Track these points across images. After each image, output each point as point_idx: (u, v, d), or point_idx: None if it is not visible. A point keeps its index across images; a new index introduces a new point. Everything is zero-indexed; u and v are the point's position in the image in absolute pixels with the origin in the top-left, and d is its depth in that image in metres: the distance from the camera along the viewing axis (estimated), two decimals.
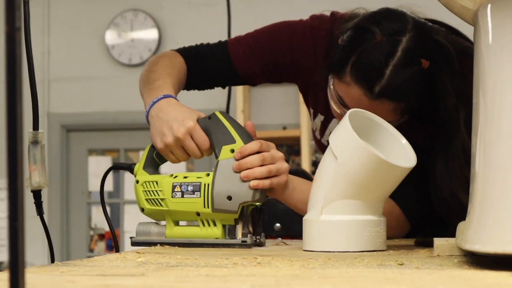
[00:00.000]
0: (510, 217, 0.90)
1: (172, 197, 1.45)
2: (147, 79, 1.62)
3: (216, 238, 1.42)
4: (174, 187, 1.45)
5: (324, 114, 1.74)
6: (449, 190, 1.50)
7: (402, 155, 1.33)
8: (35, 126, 1.35)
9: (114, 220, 5.49)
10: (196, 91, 1.81)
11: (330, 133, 1.73)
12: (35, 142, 1.35)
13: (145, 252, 1.25)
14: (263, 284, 0.80)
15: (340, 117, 1.50)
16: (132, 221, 5.36)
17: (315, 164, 4.76)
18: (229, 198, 1.40)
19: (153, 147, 1.51)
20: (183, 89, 1.74)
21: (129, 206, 5.47)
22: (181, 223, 1.49)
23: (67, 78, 5.42)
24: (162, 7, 5.32)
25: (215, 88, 1.81)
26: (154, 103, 1.51)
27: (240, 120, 4.82)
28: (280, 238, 1.70)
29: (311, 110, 1.78)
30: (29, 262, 4.77)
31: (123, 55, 5.36)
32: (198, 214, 1.43)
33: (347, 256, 1.17)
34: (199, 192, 1.42)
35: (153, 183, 1.48)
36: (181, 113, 1.46)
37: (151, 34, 5.32)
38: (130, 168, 1.53)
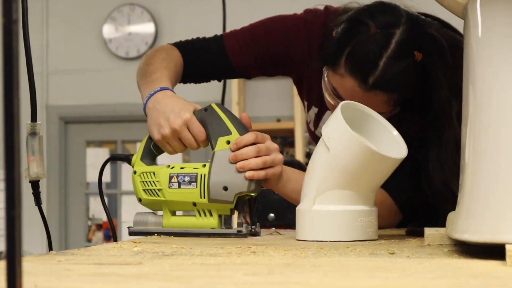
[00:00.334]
0: (499, 207, 0.91)
1: (169, 187, 1.46)
2: (145, 72, 1.63)
3: (212, 228, 1.43)
4: (171, 177, 1.46)
5: (318, 106, 1.74)
6: (441, 180, 1.52)
7: (393, 146, 1.34)
8: (33, 118, 1.36)
9: (111, 210, 5.51)
10: (192, 84, 1.82)
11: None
12: (33, 133, 1.36)
13: (141, 242, 1.25)
14: (256, 272, 0.81)
15: (334, 108, 1.51)
16: (129, 211, 5.38)
17: (308, 155, 4.78)
18: (225, 188, 1.41)
19: (150, 138, 1.52)
20: (180, 82, 1.75)
21: (126, 196, 5.50)
22: (177, 213, 1.50)
23: (65, 71, 5.43)
24: (158, 2, 5.34)
25: (211, 81, 1.82)
26: (151, 95, 1.52)
27: (235, 112, 4.84)
28: (274, 228, 1.71)
29: (305, 103, 1.80)
30: (28, 251, 4.79)
31: (120, 49, 5.38)
32: (194, 204, 1.44)
33: (339, 245, 1.18)
34: (195, 183, 1.44)
35: (150, 173, 1.49)
36: (177, 105, 1.47)
37: (148, 28, 5.35)
38: (127, 159, 1.54)
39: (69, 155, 5.57)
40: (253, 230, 1.43)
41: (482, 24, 1.00)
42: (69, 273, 0.81)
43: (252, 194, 1.43)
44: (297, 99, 4.58)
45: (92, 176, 5.55)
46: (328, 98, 1.58)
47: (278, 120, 5.11)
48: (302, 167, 2.10)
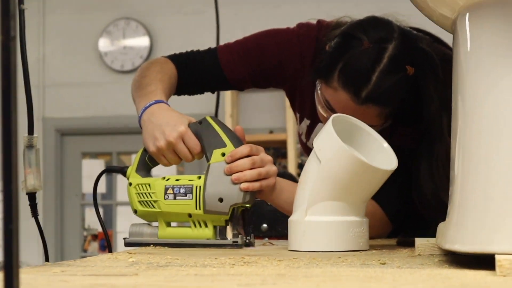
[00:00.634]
0: (488, 217, 0.92)
1: (165, 199, 1.46)
2: (139, 85, 1.64)
3: (208, 239, 1.44)
4: (166, 189, 1.47)
5: (310, 118, 1.76)
6: (432, 191, 1.52)
7: (384, 158, 1.35)
8: (30, 131, 1.37)
9: (107, 221, 5.52)
10: (186, 96, 1.83)
11: None
12: (30, 146, 1.37)
13: (136, 253, 1.26)
14: (250, 283, 0.81)
15: (327, 121, 1.52)
16: (125, 222, 5.39)
17: (301, 166, 4.80)
18: (220, 200, 1.42)
19: (145, 150, 1.53)
20: (174, 94, 1.76)
21: (121, 207, 5.50)
22: (172, 224, 1.50)
23: (61, 84, 5.46)
24: (153, 16, 5.38)
25: (205, 93, 1.83)
26: (146, 108, 1.53)
27: (228, 124, 4.86)
28: (267, 239, 1.71)
29: (298, 115, 1.81)
30: (24, 262, 4.80)
31: (115, 62, 5.42)
32: (190, 215, 1.45)
33: (331, 256, 1.18)
34: (191, 194, 1.44)
35: (145, 185, 1.49)
36: (172, 118, 1.48)
37: (143, 41, 5.38)
38: (122, 171, 1.54)
39: (65, 167, 5.57)
40: (247, 241, 1.44)
41: (471, 39, 1.01)
42: (65, 284, 0.82)
43: (247, 205, 1.44)
44: (289, 111, 4.61)
45: (87, 187, 5.56)
46: (320, 110, 1.59)
47: (271, 132, 5.14)
48: (294, 179, 2.11)
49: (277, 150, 5.16)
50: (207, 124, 1.47)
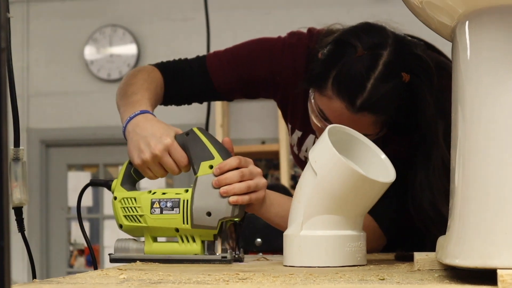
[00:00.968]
0: (490, 231, 0.90)
1: (151, 213, 1.44)
2: (125, 92, 1.61)
3: (196, 254, 1.41)
4: (152, 203, 1.44)
5: (302, 130, 1.74)
6: (429, 201, 1.51)
7: (381, 170, 1.33)
8: (16, 143, 1.36)
9: (93, 235, 5.47)
10: (174, 106, 1.80)
11: (307, 148, 1.73)
12: (16, 159, 1.35)
13: (127, 269, 1.24)
14: None
15: (321, 130, 1.50)
16: (112, 236, 5.34)
17: (294, 178, 4.78)
18: (209, 214, 1.40)
19: (130, 163, 1.50)
20: (161, 104, 1.73)
21: (108, 221, 5.45)
22: (159, 239, 1.48)
23: (46, 93, 5.41)
24: (140, 23, 5.34)
25: (192, 103, 1.80)
26: (131, 118, 1.50)
27: (219, 134, 4.83)
28: (261, 253, 1.69)
29: (289, 126, 1.79)
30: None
31: (102, 70, 5.36)
32: (177, 230, 1.42)
33: (328, 271, 1.16)
34: (178, 208, 1.42)
35: (131, 199, 1.47)
36: (158, 130, 1.46)
37: (130, 49, 5.33)
38: (107, 184, 1.52)
39: (50, 179, 5.52)
40: (236, 256, 1.40)
41: (471, 47, 1.00)
42: None
43: (236, 219, 1.42)
44: (282, 121, 4.59)
45: (73, 200, 5.50)
46: (314, 120, 1.57)
47: (263, 142, 5.11)
48: (287, 192, 2.09)
49: (270, 161, 5.13)
50: (194, 135, 1.44)
